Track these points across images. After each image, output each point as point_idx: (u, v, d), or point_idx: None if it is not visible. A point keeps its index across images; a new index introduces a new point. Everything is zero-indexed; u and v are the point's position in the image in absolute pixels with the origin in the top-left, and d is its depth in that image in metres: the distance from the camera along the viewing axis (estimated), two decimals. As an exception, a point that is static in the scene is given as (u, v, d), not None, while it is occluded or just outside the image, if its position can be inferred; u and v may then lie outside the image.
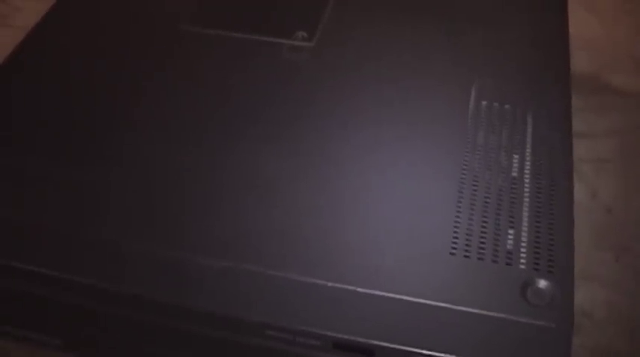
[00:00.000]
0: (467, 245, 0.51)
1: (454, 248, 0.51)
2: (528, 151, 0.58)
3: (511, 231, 0.52)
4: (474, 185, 0.55)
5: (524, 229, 0.52)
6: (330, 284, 0.49)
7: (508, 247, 0.51)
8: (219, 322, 0.49)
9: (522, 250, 0.51)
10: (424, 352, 0.46)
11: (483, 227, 0.52)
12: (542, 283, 0.49)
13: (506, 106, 0.62)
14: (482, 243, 0.51)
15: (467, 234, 0.52)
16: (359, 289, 0.48)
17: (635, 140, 0.78)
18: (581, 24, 0.88)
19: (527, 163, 0.57)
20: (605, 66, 0.86)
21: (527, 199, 0.55)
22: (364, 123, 0.60)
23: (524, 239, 0.52)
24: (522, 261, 0.50)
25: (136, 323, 0.52)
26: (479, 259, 0.50)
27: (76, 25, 0.71)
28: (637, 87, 0.84)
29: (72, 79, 0.65)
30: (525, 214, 0.53)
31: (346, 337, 0.47)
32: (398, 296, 0.48)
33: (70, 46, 0.68)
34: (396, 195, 0.55)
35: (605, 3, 0.95)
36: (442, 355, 0.46)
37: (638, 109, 0.81)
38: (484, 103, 0.62)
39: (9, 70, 0.66)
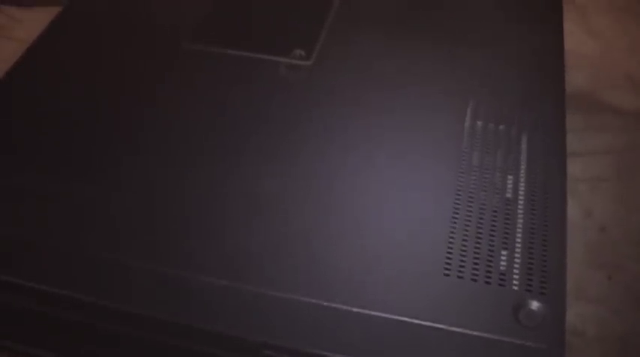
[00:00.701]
0: (461, 266, 0.52)
1: (448, 269, 0.52)
2: (523, 172, 0.59)
3: (504, 252, 0.53)
4: (469, 206, 0.56)
5: (518, 250, 0.53)
6: (325, 304, 0.50)
7: (501, 268, 0.52)
8: (219, 340, 0.49)
9: (515, 271, 0.52)
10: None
11: (477, 248, 0.53)
12: (534, 305, 0.49)
13: (501, 127, 0.63)
14: (476, 264, 0.52)
15: (461, 255, 0.53)
16: (354, 309, 0.49)
17: (631, 159, 0.79)
18: (578, 43, 0.90)
19: (522, 184, 0.58)
20: (602, 85, 0.87)
21: (520, 220, 0.55)
22: (360, 142, 0.61)
23: (517, 260, 0.52)
24: (515, 282, 0.51)
25: (135, 340, 0.52)
26: (472, 280, 0.51)
27: (77, 42, 0.72)
28: (634, 105, 0.85)
29: (72, 95, 0.65)
30: (519, 235, 0.54)
31: (341, 357, 0.48)
32: (392, 316, 0.49)
33: (71, 63, 0.69)
34: (391, 215, 0.55)
35: (601, 23, 0.96)
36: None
37: (635, 127, 0.82)
38: (479, 123, 0.63)
39: (9, 84, 0.66)
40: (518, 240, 0.54)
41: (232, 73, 0.67)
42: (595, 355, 0.64)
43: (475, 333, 0.48)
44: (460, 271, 0.52)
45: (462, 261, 0.52)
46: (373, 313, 0.49)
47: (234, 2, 0.77)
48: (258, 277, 0.51)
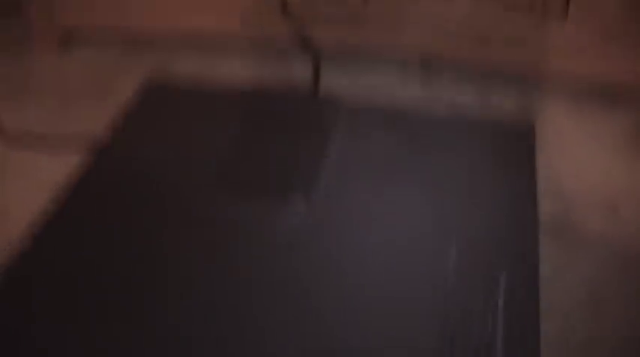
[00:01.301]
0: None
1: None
2: (500, 311, 0.65)
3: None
4: (450, 349, 0.62)
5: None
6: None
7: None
8: None
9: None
10: None
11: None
12: None
13: (481, 268, 0.69)
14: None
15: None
16: None
17: (607, 286, 0.84)
18: (554, 168, 0.95)
19: (500, 327, 0.64)
20: (579, 210, 0.92)
21: (499, 362, 0.61)
22: (353, 287, 0.68)
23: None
24: None
25: None
26: None
27: (93, 207, 0.78)
28: (611, 231, 0.89)
29: (92, 259, 0.71)
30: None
31: None
32: None
33: (82, 224, 0.76)
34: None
35: (575, 148, 1.01)
36: None
37: (612, 252, 0.87)
38: (460, 264, 0.69)
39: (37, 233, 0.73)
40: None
41: (231, 219, 0.74)
42: None
43: None
44: None
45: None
46: None
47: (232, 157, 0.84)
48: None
